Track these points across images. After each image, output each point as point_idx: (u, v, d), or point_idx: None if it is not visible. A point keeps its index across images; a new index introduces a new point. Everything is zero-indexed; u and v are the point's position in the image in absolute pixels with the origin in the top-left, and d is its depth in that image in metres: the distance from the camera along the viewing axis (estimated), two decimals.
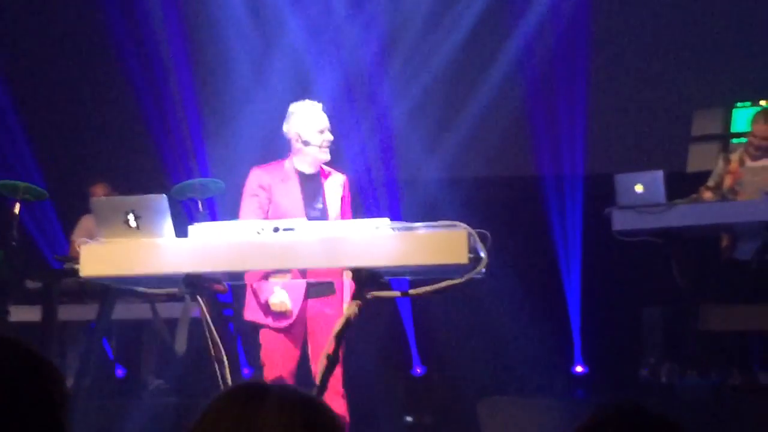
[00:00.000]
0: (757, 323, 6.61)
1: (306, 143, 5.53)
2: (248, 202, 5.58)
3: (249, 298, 5.60)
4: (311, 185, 5.58)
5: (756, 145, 7.08)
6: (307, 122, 5.54)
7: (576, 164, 8.80)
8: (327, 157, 5.57)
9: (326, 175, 5.63)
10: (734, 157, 7.21)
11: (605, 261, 8.26)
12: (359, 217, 5.34)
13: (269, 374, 5.52)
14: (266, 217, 5.47)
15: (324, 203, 5.55)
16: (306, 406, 1.56)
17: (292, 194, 5.54)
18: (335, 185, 5.61)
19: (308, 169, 5.59)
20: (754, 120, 7.19)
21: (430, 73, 9.07)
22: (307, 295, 5.49)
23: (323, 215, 5.48)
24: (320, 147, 5.53)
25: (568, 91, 8.87)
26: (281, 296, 5.43)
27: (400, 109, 9.08)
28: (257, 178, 5.59)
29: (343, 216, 5.56)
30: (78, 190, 8.16)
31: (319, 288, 5.50)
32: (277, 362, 5.49)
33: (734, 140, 8.02)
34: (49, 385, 1.52)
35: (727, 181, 7.14)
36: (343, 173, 5.77)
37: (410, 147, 8.98)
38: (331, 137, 5.56)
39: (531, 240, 8.72)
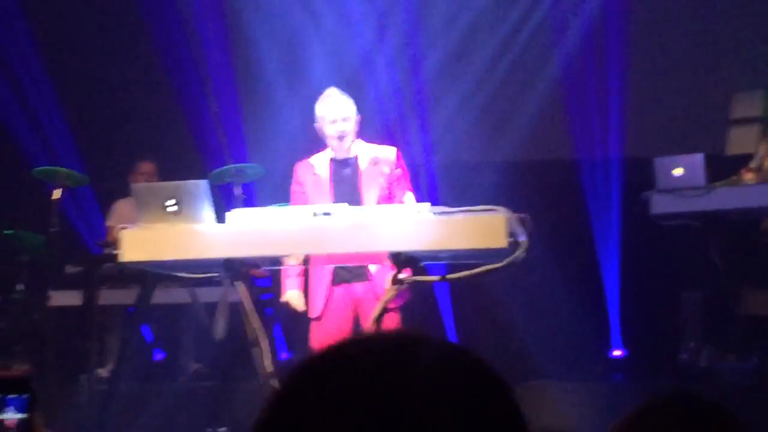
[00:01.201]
0: None
1: (324, 136, 5.58)
2: (293, 197, 5.66)
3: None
4: (345, 172, 5.58)
5: None
6: (322, 115, 5.58)
7: (614, 148, 8.74)
8: (344, 146, 5.55)
9: (365, 157, 5.59)
10: None
11: (644, 245, 8.21)
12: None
13: None
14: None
15: (359, 189, 5.53)
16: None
17: (320, 186, 5.56)
18: (372, 166, 5.57)
19: (343, 154, 5.59)
20: None
21: (467, 56, 9.03)
22: (338, 281, 5.49)
23: (358, 201, 5.45)
24: (334, 138, 5.54)
25: (606, 74, 8.81)
26: (288, 296, 5.50)
27: (437, 93, 9.06)
28: (295, 174, 5.67)
29: (390, 194, 5.52)
30: (117, 175, 8.21)
31: (352, 273, 5.49)
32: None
33: None
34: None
35: (767, 162, 7.08)
36: (394, 147, 5.74)
37: (448, 131, 8.95)
38: (344, 127, 5.51)
39: (569, 224, 8.67)
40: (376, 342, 1.31)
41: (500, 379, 1.31)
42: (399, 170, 5.61)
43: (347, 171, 5.59)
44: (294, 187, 5.66)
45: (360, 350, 1.31)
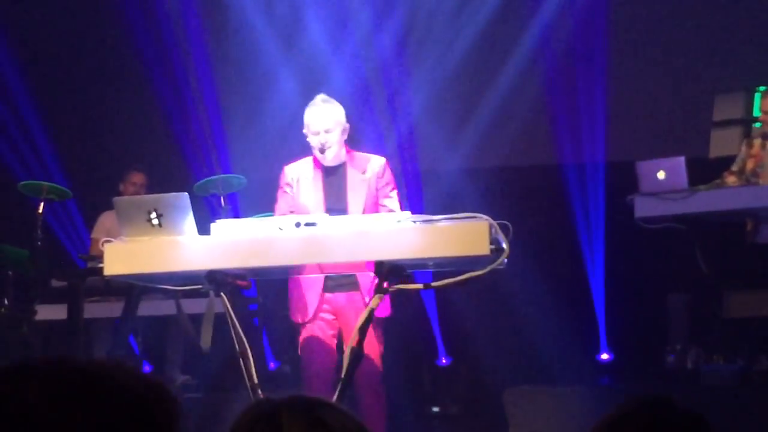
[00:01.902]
0: None
1: (311, 146, 5.57)
2: (279, 199, 5.65)
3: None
4: (334, 179, 5.58)
5: (761, 120, 7.11)
6: (307, 125, 5.56)
7: (597, 152, 8.76)
8: (327, 158, 5.53)
9: (354, 166, 5.59)
10: (756, 141, 7.20)
11: (629, 248, 8.24)
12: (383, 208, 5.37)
13: (308, 371, 5.54)
14: (294, 213, 5.50)
15: (345, 196, 5.54)
16: (315, 417, 1.60)
17: (312, 190, 5.55)
18: (360, 174, 5.56)
19: (332, 162, 5.59)
20: (761, 98, 7.22)
21: (449, 63, 9.05)
22: (325, 289, 5.49)
23: (343, 209, 5.47)
24: (315, 149, 5.53)
25: (587, 79, 8.84)
26: None
27: (419, 100, 9.07)
28: (285, 175, 5.64)
29: (376, 203, 5.52)
30: (102, 188, 8.20)
31: (340, 282, 5.50)
32: (312, 358, 5.51)
33: (756, 124, 7.96)
34: (153, 406, 1.51)
35: (749, 165, 7.12)
36: (382, 156, 5.73)
37: (430, 138, 8.97)
38: (326, 138, 5.48)
39: (554, 229, 8.70)
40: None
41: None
42: (386, 180, 5.59)
43: (335, 178, 5.59)
44: (283, 188, 5.64)
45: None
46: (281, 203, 5.63)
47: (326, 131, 5.49)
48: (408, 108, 9.15)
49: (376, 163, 5.62)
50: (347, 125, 5.61)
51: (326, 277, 5.47)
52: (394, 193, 5.61)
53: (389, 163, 5.72)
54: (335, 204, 5.48)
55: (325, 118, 5.51)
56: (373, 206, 5.52)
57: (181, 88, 9.32)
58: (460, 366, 8.87)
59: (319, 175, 5.57)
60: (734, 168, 7.19)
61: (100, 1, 9.26)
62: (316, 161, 5.59)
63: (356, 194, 5.52)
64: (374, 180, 5.56)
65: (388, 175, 5.62)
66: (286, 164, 5.73)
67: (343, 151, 5.60)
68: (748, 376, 6.90)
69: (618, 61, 8.89)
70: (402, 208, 5.58)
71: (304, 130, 5.58)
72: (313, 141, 5.51)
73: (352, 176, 5.56)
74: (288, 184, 5.62)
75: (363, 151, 5.83)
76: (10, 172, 8.63)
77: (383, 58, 9.19)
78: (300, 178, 5.59)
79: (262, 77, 9.13)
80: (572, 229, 8.67)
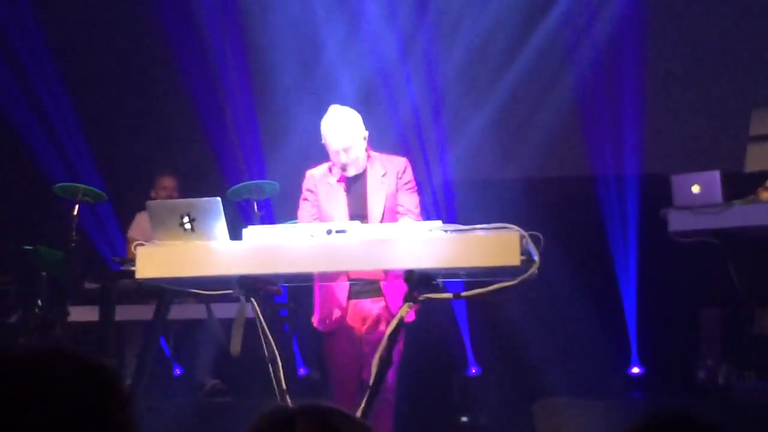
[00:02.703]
0: None
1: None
2: (301, 206, 5.66)
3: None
4: (355, 185, 5.58)
5: None
6: (324, 141, 5.55)
7: (632, 164, 8.73)
8: (350, 173, 5.53)
9: (374, 168, 5.57)
10: None
11: (662, 262, 8.19)
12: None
13: (334, 378, 5.55)
14: (317, 219, 5.51)
15: (366, 201, 5.53)
16: (328, 424, 1.62)
17: (335, 196, 5.55)
18: (380, 177, 5.54)
19: (352, 172, 5.60)
20: None
21: (482, 72, 9.04)
22: (350, 296, 5.49)
23: (364, 215, 5.45)
24: (337, 167, 5.53)
25: (623, 90, 8.80)
26: None
27: (451, 110, 9.07)
28: (307, 181, 5.65)
29: (395, 204, 5.49)
30: (136, 191, 8.25)
31: (365, 288, 5.49)
32: (339, 365, 5.51)
33: None
34: (102, 389, 1.53)
35: None
36: (402, 157, 5.71)
37: (463, 148, 8.96)
38: (345, 159, 5.46)
39: (587, 241, 8.66)
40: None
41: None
42: (406, 179, 5.57)
43: (356, 184, 5.58)
44: (305, 194, 5.65)
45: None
46: (303, 210, 5.64)
47: (345, 150, 5.47)
48: (440, 117, 9.15)
49: (396, 162, 5.60)
50: (366, 133, 5.57)
51: (351, 284, 5.47)
52: (413, 194, 5.58)
53: (409, 164, 5.68)
54: (356, 210, 5.48)
55: (342, 137, 5.48)
56: (393, 207, 5.51)
57: (217, 94, 9.37)
58: (490, 376, 8.85)
59: (343, 181, 5.58)
60: None
61: (138, 4, 9.33)
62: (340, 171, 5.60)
63: (376, 198, 5.51)
64: (394, 180, 5.54)
65: (409, 175, 5.59)
66: (310, 169, 5.73)
67: (365, 156, 5.59)
68: None
69: (654, 72, 8.85)
70: (421, 212, 5.58)
71: (323, 141, 5.56)
72: (335, 159, 5.52)
73: (372, 180, 5.55)
74: (310, 190, 5.63)
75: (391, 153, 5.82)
76: (46, 174, 8.70)
77: (417, 63, 9.19)
78: (322, 183, 5.60)
79: (299, 84, 9.16)
80: (605, 241, 8.63)
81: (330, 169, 5.63)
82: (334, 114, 5.54)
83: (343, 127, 5.48)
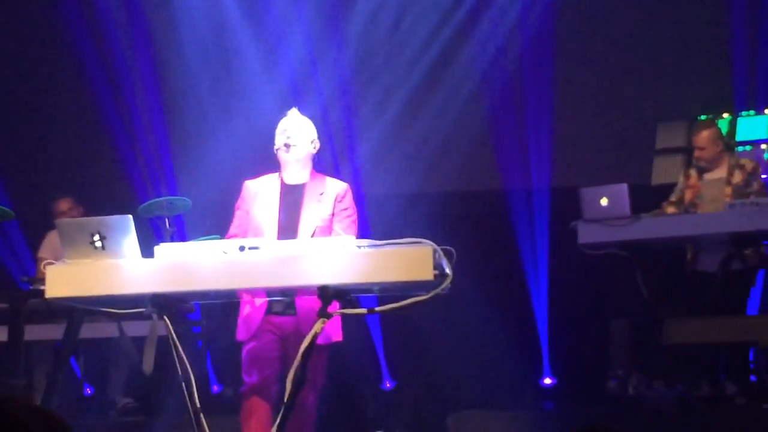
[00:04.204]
0: (721, 335, 6.67)
1: (276, 152, 5.55)
2: (235, 215, 5.62)
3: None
4: (292, 196, 5.55)
5: (696, 157, 7.24)
6: (278, 131, 5.56)
7: (542, 178, 8.85)
8: (288, 159, 5.50)
9: (314, 186, 5.55)
10: (693, 171, 7.32)
11: (572, 274, 8.31)
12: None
13: (245, 384, 5.50)
14: (243, 231, 5.49)
15: (299, 215, 5.51)
16: None
17: (269, 205, 5.52)
18: (318, 195, 5.53)
19: (293, 180, 5.57)
20: (694, 133, 7.35)
21: (396, 89, 9.10)
22: (271, 311, 5.47)
23: (295, 227, 5.44)
24: (280, 149, 5.52)
25: (532, 105, 8.93)
26: None
27: (367, 125, 9.11)
28: (243, 190, 5.62)
29: (329, 226, 5.47)
30: (44, 208, 8.13)
31: (286, 306, 5.47)
32: (252, 371, 5.47)
33: None
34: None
35: (688, 196, 7.24)
36: (344, 182, 5.69)
37: (376, 163, 9.00)
38: (294, 136, 5.48)
39: (498, 254, 8.76)
40: None
41: None
42: (344, 205, 5.55)
43: (293, 196, 5.56)
44: (239, 204, 5.62)
45: None
46: (235, 219, 5.62)
47: (295, 134, 5.49)
48: (356, 133, 9.18)
49: (337, 186, 5.59)
50: (317, 143, 5.61)
51: (272, 301, 5.45)
52: (350, 221, 5.55)
53: (350, 190, 5.67)
54: (288, 221, 5.45)
55: (297, 123, 5.52)
56: (327, 229, 5.49)
57: (127, 109, 9.28)
58: (405, 390, 8.88)
59: (278, 191, 5.56)
60: (673, 198, 7.30)
61: (42, 15, 9.19)
62: (279, 179, 5.57)
63: (310, 214, 5.49)
64: (332, 203, 5.53)
65: (348, 202, 5.56)
66: (247, 179, 5.70)
67: (308, 170, 5.59)
68: (688, 402, 6.98)
69: (562, 87, 8.99)
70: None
71: (276, 133, 5.55)
72: (279, 139, 5.50)
73: (310, 196, 5.54)
74: (243, 200, 5.60)
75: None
76: None
77: (333, 82, 9.22)
78: (260, 192, 5.57)
79: (210, 98, 9.11)
80: (516, 254, 8.73)
81: (271, 179, 5.60)
82: (295, 111, 5.60)
83: (301, 118, 5.55)
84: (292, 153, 5.49)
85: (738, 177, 7.14)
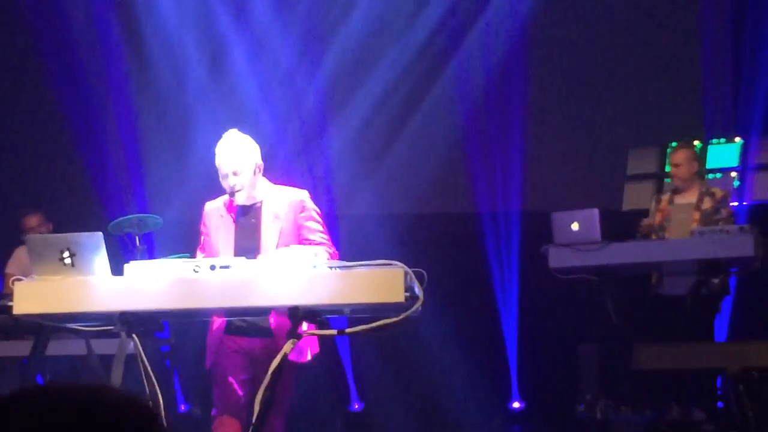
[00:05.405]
0: (689, 362, 6.70)
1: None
2: (200, 239, 5.56)
3: None
4: (247, 218, 5.47)
5: (671, 173, 7.34)
6: (217, 165, 5.42)
7: (513, 202, 8.88)
8: (237, 200, 5.40)
9: (270, 202, 5.45)
10: (665, 196, 7.39)
11: (542, 298, 8.33)
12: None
13: (216, 407, 5.46)
14: (207, 253, 5.44)
15: (259, 236, 5.43)
16: None
17: (224, 229, 5.46)
18: (275, 211, 5.43)
19: (247, 201, 5.48)
20: (672, 153, 7.48)
21: (367, 110, 9.11)
22: (239, 332, 5.41)
23: (256, 248, 5.35)
24: (228, 192, 5.41)
25: (504, 129, 8.97)
26: None
27: (336, 145, 9.11)
28: (203, 215, 5.54)
29: (294, 240, 5.37)
30: (13, 224, 8.08)
31: (254, 327, 5.43)
32: (220, 399, 5.43)
33: (667, 180, 8.15)
34: (143, 425, 1.54)
35: (657, 219, 7.29)
36: (301, 189, 5.57)
37: (347, 184, 9.00)
38: (234, 182, 5.28)
39: (468, 277, 8.77)
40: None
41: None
42: (307, 215, 5.43)
43: (249, 217, 5.48)
44: (201, 228, 5.57)
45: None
46: (201, 242, 5.56)
47: (234, 173, 5.34)
48: (325, 151, 9.18)
49: (294, 196, 5.45)
50: (260, 163, 5.45)
51: (241, 321, 5.39)
52: (318, 228, 5.42)
53: (309, 196, 5.55)
54: (248, 243, 5.36)
55: (233, 160, 5.36)
56: (292, 243, 5.38)
57: (98, 126, 9.24)
58: (374, 411, 8.86)
59: (232, 214, 5.48)
60: (649, 221, 7.36)
61: (8, 27, 9.14)
62: (231, 200, 5.48)
63: (270, 233, 5.39)
64: (292, 215, 5.41)
65: (309, 210, 5.44)
66: (207, 201, 5.63)
67: (260, 188, 5.48)
68: (656, 428, 6.99)
69: (535, 112, 9.04)
70: (331, 241, 5.47)
71: (216, 164, 5.45)
72: (223, 182, 5.41)
73: (267, 214, 5.42)
74: (204, 224, 5.54)
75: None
76: None
77: (303, 102, 9.22)
78: (215, 215, 5.51)
79: (183, 115, 9.09)
80: (487, 277, 8.74)
81: (225, 203, 5.52)
82: (229, 137, 5.44)
83: (235, 150, 5.38)
84: (238, 196, 5.38)
85: (707, 203, 7.20)
